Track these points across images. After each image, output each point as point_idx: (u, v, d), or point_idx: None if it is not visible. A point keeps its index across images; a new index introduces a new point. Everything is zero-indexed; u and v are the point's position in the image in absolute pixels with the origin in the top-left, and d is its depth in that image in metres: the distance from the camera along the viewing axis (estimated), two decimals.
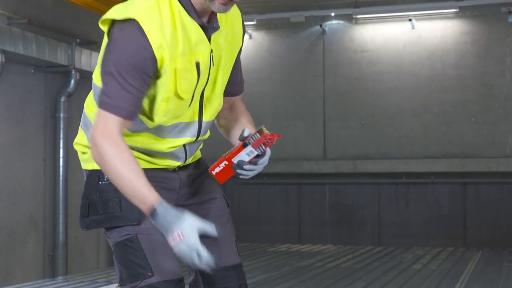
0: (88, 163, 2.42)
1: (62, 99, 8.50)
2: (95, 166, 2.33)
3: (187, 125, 2.38)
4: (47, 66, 8.28)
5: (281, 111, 10.12)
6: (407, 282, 6.39)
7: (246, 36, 9.99)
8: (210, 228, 2.14)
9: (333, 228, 9.90)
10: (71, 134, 8.72)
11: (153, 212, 2.13)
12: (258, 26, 10.15)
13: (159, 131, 2.35)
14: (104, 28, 2.22)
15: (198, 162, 2.57)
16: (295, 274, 6.97)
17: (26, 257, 8.13)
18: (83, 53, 8.60)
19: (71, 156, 8.74)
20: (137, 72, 2.15)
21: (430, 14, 9.55)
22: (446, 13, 9.50)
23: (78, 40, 8.65)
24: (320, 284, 6.38)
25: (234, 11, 2.37)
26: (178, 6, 2.21)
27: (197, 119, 2.39)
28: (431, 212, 9.51)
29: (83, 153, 2.45)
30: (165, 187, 2.40)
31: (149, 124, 2.31)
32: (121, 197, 2.25)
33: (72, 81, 8.46)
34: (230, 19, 2.37)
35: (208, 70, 2.32)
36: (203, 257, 2.10)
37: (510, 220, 9.20)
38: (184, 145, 2.41)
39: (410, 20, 9.57)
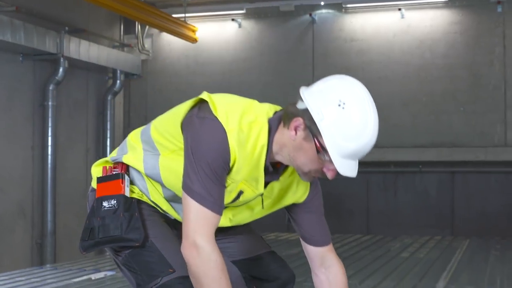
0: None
1: (51, 87, 8.46)
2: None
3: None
4: (36, 54, 8.24)
5: (270, 101, 9.93)
6: (395, 270, 6.42)
7: (235, 25, 9.95)
8: None
9: None
10: (59, 122, 8.69)
11: None
12: (248, 15, 10.10)
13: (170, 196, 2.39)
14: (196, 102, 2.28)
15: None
16: None
17: (14, 245, 8.12)
18: (71, 41, 8.55)
19: (59, 144, 8.71)
20: (222, 170, 2.16)
21: (419, 4, 9.55)
22: (435, 3, 9.51)
23: (66, 28, 8.60)
24: (309, 272, 6.37)
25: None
26: (264, 140, 2.27)
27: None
28: (419, 201, 9.55)
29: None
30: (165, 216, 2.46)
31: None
32: (122, 222, 2.29)
33: (61, 69, 8.41)
34: (297, 177, 2.42)
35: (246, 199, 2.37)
36: None
37: (497, 209, 9.26)
38: None
39: (399, 9, 9.57)
